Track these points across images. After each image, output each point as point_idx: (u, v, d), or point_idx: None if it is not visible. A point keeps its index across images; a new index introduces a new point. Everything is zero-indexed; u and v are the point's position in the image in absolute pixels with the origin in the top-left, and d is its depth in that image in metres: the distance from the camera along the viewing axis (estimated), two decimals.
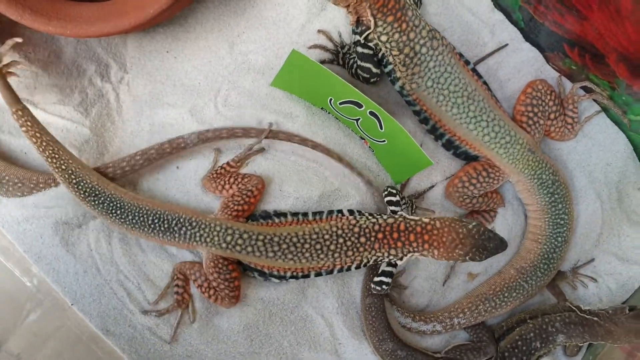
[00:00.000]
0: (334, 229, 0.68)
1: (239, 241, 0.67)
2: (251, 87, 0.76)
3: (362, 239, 0.68)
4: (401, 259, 0.69)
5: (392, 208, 0.73)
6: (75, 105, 0.73)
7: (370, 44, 0.71)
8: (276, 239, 0.67)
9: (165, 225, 0.67)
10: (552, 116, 0.77)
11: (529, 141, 0.76)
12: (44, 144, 0.65)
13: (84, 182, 0.66)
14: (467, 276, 0.82)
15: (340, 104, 0.72)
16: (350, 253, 0.68)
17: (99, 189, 0.67)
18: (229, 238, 0.67)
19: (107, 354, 0.71)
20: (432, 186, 0.80)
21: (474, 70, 0.75)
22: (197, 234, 0.67)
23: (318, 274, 0.70)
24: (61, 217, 0.69)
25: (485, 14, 0.79)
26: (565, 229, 0.78)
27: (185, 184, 0.74)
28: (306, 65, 0.68)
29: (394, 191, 0.74)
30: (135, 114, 0.74)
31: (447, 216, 0.70)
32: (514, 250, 0.82)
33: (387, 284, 0.71)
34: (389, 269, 0.71)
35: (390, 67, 0.71)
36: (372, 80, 0.73)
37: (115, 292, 0.70)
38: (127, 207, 0.67)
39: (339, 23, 0.76)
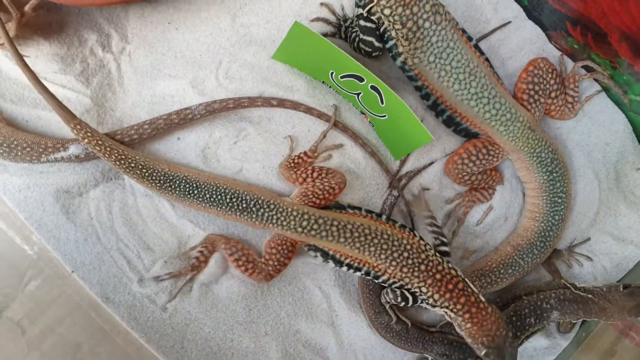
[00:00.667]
0: (405, 241, 0.70)
1: (314, 226, 0.69)
2: (252, 60, 0.75)
3: (422, 267, 0.69)
4: (435, 306, 0.70)
5: (442, 253, 0.74)
6: (76, 75, 0.72)
7: (373, 18, 0.70)
8: (349, 226, 0.70)
9: (244, 205, 0.69)
10: (552, 95, 0.78)
11: (529, 119, 0.76)
12: (108, 149, 0.67)
13: (156, 172, 0.68)
14: (463, 252, 0.82)
15: (342, 77, 0.72)
16: (405, 270, 0.69)
17: (172, 174, 0.69)
18: (304, 223, 0.69)
19: (107, 322, 0.71)
20: (432, 163, 0.80)
21: (476, 46, 0.75)
22: (274, 217, 0.69)
23: (367, 273, 0.71)
24: (62, 186, 0.69)
25: None
26: (562, 207, 0.79)
27: (186, 155, 0.74)
28: (308, 37, 0.68)
29: (445, 240, 0.75)
30: (136, 84, 0.74)
31: (500, 311, 0.71)
32: (511, 227, 0.83)
33: (395, 303, 0.72)
34: (411, 298, 0.72)
35: (392, 41, 0.71)
36: (374, 54, 0.73)
37: (115, 260, 0.70)
38: (204, 186, 0.69)
39: None
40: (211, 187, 0.69)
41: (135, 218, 0.71)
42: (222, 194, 0.69)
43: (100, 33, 0.74)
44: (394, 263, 0.69)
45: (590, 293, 0.77)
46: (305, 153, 0.75)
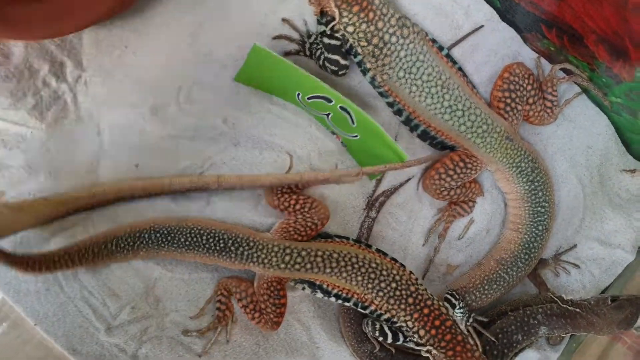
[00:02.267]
0: (394, 272, 0.68)
1: (298, 259, 0.66)
2: (214, 82, 0.71)
3: (410, 300, 0.67)
4: (419, 344, 0.68)
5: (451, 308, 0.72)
6: (29, 110, 0.68)
7: (337, 35, 0.67)
8: (335, 255, 0.67)
9: (222, 245, 0.66)
10: (530, 100, 0.74)
11: (507, 128, 0.73)
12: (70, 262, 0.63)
13: (120, 238, 0.65)
14: (446, 267, 0.80)
15: (309, 99, 0.68)
16: (392, 302, 0.67)
17: (136, 230, 0.66)
18: (287, 258, 0.66)
19: None
20: (409, 179, 0.77)
21: (448, 56, 0.71)
22: (255, 255, 0.66)
23: (355, 304, 0.69)
24: (20, 237, 0.66)
25: None
26: (546, 217, 0.76)
27: None
28: (269, 60, 0.64)
29: (457, 296, 0.74)
30: (94, 115, 0.70)
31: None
32: (494, 239, 0.80)
33: (377, 336, 0.70)
34: (399, 334, 0.69)
35: (359, 57, 0.68)
36: (340, 72, 0.70)
37: (80, 309, 0.66)
38: (175, 231, 0.66)
39: (305, 11, 0.72)
40: (184, 230, 0.66)
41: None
42: (197, 236, 0.66)
43: (52, 62, 0.70)
44: (380, 293, 0.67)
45: (577, 307, 0.75)
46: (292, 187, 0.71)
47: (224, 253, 0.66)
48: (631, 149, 0.80)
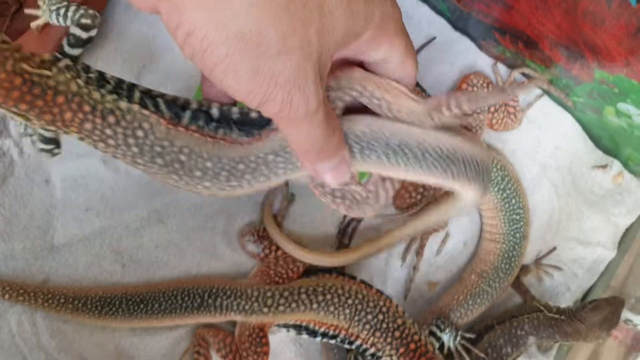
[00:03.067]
0: (381, 303, 0.65)
1: (281, 300, 0.63)
2: None
3: (397, 333, 0.65)
4: None
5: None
6: None
7: None
8: (320, 289, 0.64)
9: (199, 301, 0.64)
10: (492, 109, 0.73)
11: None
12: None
13: (90, 299, 0.63)
14: (428, 286, 0.78)
15: None
16: (378, 335, 0.64)
17: (109, 295, 0.63)
18: (269, 301, 0.64)
19: None
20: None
21: None
22: (234, 303, 0.64)
23: (342, 340, 0.66)
24: None
25: (409, 10, 0.73)
26: (522, 223, 0.74)
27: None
28: None
29: (442, 325, 0.72)
30: (43, 170, 0.67)
31: None
32: (472, 251, 0.79)
33: None
34: None
35: None
36: None
37: None
38: (149, 298, 0.64)
39: None
40: (157, 295, 0.64)
41: (63, 327, 0.64)
42: (172, 298, 0.64)
43: None
44: (367, 326, 0.64)
45: (562, 314, 0.73)
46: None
47: (202, 308, 0.64)
48: (600, 144, 0.79)
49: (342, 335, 0.66)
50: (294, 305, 0.64)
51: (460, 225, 0.78)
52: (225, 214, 0.70)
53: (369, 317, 0.64)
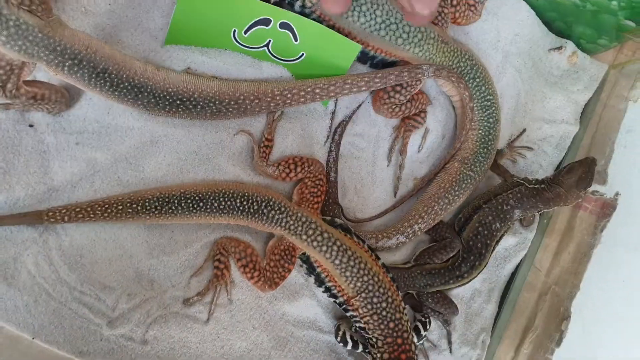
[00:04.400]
0: (389, 293, 0.69)
1: (318, 238, 0.68)
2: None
3: (391, 324, 0.69)
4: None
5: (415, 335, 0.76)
6: None
7: None
8: (349, 252, 0.68)
9: (255, 207, 0.67)
10: (454, 2, 0.76)
11: (440, 33, 0.74)
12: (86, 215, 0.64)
13: (148, 200, 0.65)
14: (414, 183, 0.82)
15: (245, 33, 0.67)
16: (375, 318, 0.69)
17: (167, 195, 0.66)
18: (310, 232, 0.68)
19: None
20: (360, 105, 0.78)
21: None
22: (283, 220, 0.68)
23: (340, 303, 0.71)
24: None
25: None
26: (493, 109, 0.79)
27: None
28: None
29: (427, 325, 0.78)
30: (26, 118, 0.66)
31: None
32: (451, 143, 0.83)
33: (338, 341, 0.74)
34: (359, 345, 0.73)
35: None
36: (272, 1, 0.69)
37: (76, 311, 0.64)
38: (208, 196, 0.66)
39: None
40: (216, 195, 0.67)
41: (80, 260, 0.65)
42: (232, 200, 0.67)
43: None
44: (369, 306, 0.68)
45: (542, 183, 0.79)
46: (266, 139, 0.72)
47: (257, 215, 0.67)
48: (552, 27, 0.84)
49: (342, 299, 0.70)
50: (324, 248, 0.68)
51: (437, 119, 0.82)
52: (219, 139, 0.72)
53: (375, 300, 0.68)
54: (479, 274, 0.79)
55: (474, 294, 0.84)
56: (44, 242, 0.64)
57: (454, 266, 0.78)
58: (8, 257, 0.63)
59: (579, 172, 0.77)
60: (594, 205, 0.88)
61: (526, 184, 0.79)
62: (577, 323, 0.84)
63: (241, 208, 0.67)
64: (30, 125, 0.66)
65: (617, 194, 0.85)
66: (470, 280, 0.79)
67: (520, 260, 0.88)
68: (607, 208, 0.86)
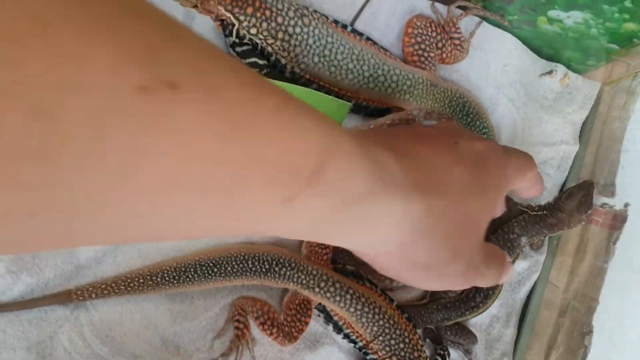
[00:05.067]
0: (406, 333, 0.72)
1: (331, 289, 0.71)
2: None
3: None
4: None
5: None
6: None
7: (245, 40, 0.70)
8: (362, 299, 0.72)
9: (266, 267, 0.71)
10: (439, 45, 0.79)
11: (428, 76, 0.77)
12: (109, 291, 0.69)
13: (166, 272, 0.70)
14: None
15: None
16: (395, 359, 0.71)
17: (183, 265, 0.70)
18: (322, 284, 0.71)
19: None
20: None
21: (353, 31, 0.75)
22: (295, 276, 0.71)
23: (360, 348, 0.74)
24: (32, 340, 0.68)
25: None
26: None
27: None
28: None
29: (446, 358, 0.80)
30: None
31: None
32: None
33: None
34: None
35: (273, 57, 0.71)
36: (263, 72, 0.73)
37: None
38: (221, 262, 0.70)
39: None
40: (229, 259, 0.71)
41: (110, 333, 0.70)
42: (244, 262, 0.71)
43: None
44: (387, 348, 0.71)
45: (543, 209, 0.81)
46: None
47: (269, 274, 0.71)
48: (541, 53, 0.86)
49: (361, 344, 0.73)
50: (338, 298, 0.71)
51: None
52: None
53: (392, 342, 0.71)
54: (493, 302, 0.82)
55: (492, 321, 0.86)
56: (76, 319, 0.69)
57: (468, 297, 0.81)
58: (45, 336, 0.68)
59: (578, 197, 0.79)
60: (604, 218, 0.89)
61: (529, 212, 0.81)
62: (600, 337, 0.85)
63: (253, 269, 0.71)
64: None
65: (626, 204, 0.86)
66: (485, 310, 0.82)
67: (535, 282, 0.89)
68: (618, 220, 0.87)
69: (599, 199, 0.86)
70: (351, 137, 0.35)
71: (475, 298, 0.80)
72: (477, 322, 0.86)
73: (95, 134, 0.20)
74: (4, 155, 0.19)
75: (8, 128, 0.19)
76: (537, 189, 0.61)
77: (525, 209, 0.82)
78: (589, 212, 0.80)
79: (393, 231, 0.39)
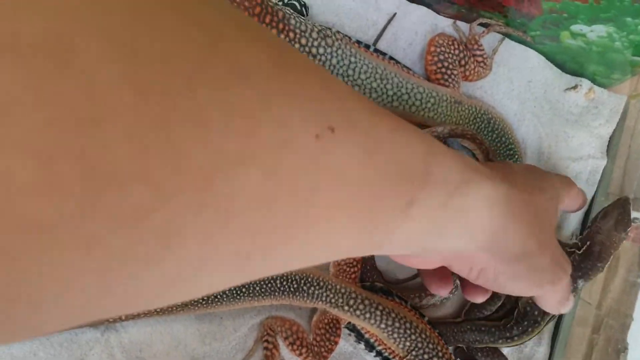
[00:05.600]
0: (439, 347, 0.71)
1: (360, 306, 0.71)
2: None
3: None
4: None
5: None
6: None
7: None
8: (393, 314, 0.71)
9: (295, 286, 0.71)
10: (462, 62, 0.79)
11: (452, 94, 0.77)
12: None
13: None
14: None
15: None
16: None
17: None
18: (351, 302, 0.71)
19: None
20: None
21: (376, 50, 0.76)
22: (324, 295, 0.71)
23: None
24: None
25: None
26: (517, 157, 0.81)
27: None
28: None
29: None
30: None
31: None
32: None
33: None
34: None
35: None
36: None
37: None
38: (249, 282, 0.70)
39: None
40: (258, 279, 0.71)
41: (140, 354, 0.71)
42: (272, 282, 0.71)
43: None
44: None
45: (585, 241, 0.78)
46: None
47: (297, 293, 0.71)
48: (565, 68, 0.86)
49: None
50: (367, 315, 0.71)
51: None
52: None
53: (426, 356, 0.71)
54: (529, 340, 0.80)
55: None
56: (106, 340, 0.70)
57: (505, 327, 0.79)
58: (76, 358, 0.68)
59: (615, 215, 0.77)
60: (635, 233, 0.88)
61: (576, 251, 0.78)
62: (635, 353, 0.83)
63: (282, 288, 0.71)
64: None
65: None
66: (519, 344, 0.80)
67: None
68: None
69: (631, 213, 0.85)
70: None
71: (512, 330, 0.79)
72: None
73: (270, 179, 0.24)
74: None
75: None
76: (582, 199, 0.68)
77: (573, 249, 0.78)
78: (628, 229, 0.78)
79: (485, 217, 0.42)
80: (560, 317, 0.89)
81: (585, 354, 0.87)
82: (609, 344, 0.86)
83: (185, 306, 0.69)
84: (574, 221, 0.88)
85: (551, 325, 0.87)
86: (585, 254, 0.78)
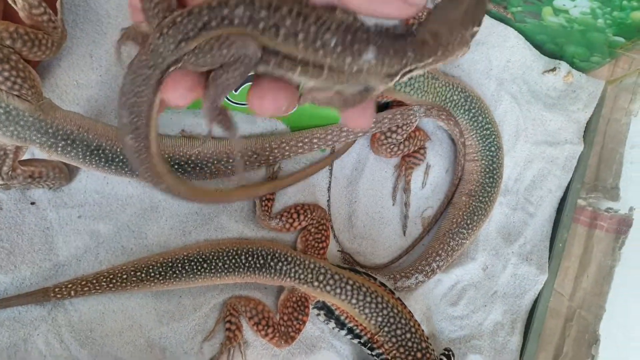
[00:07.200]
0: (411, 323, 0.68)
1: (330, 281, 0.67)
2: None
3: (419, 355, 0.68)
4: None
5: None
6: None
7: None
8: (364, 289, 0.68)
9: (261, 262, 0.67)
10: None
11: (430, 70, 0.74)
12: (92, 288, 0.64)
13: (152, 267, 0.65)
14: (422, 223, 0.81)
15: (236, 90, 0.68)
16: (402, 350, 0.68)
17: (170, 260, 0.65)
18: (320, 277, 0.67)
19: None
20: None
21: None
22: (292, 270, 0.67)
23: (364, 343, 0.70)
24: (3, 344, 0.62)
25: None
26: (493, 137, 0.78)
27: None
28: None
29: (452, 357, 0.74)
30: (27, 196, 0.67)
31: None
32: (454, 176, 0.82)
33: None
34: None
35: None
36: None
37: None
38: (212, 257, 0.66)
39: None
40: (220, 254, 0.66)
41: (90, 334, 0.65)
42: (237, 257, 0.66)
43: None
44: (394, 339, 0.68)
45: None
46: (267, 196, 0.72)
47: (264, 270, 0.67)
48: (544, 50, 0.84)
49: (365, 338, 0.69)
50: (338, 290, 0.67)
51: (438, 154, 0.81)
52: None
53: (398, 332, 0.68)
54: None
55: (496, 327, 0.82)
56: (53, 319, 0.64)
57: None
58: (18, 338, 0.63)
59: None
60: (609, 223, 0.86)
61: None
62: (608, 345, 0.81)
63: (247, 265, 0.66)
64: (32, 203, 0.67)
65: (631, 208, 0.83)
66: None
67: (541, 289, 0.85)
68: (623, 225, 0.84)
69: (604, 203, 0.83)
70: None
71: None
72: (482, 327, 0.81)
73: None
74: None
75: None
76: None
77: None
78: (477, 29, 0.56)
79: None
80: (534, 307, 0.86)
81: (557, 345, 0.85)
82: (581, 335, 0.84)
83: (140, 281, 0.64)
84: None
85: (524, 314, 0.85)
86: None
